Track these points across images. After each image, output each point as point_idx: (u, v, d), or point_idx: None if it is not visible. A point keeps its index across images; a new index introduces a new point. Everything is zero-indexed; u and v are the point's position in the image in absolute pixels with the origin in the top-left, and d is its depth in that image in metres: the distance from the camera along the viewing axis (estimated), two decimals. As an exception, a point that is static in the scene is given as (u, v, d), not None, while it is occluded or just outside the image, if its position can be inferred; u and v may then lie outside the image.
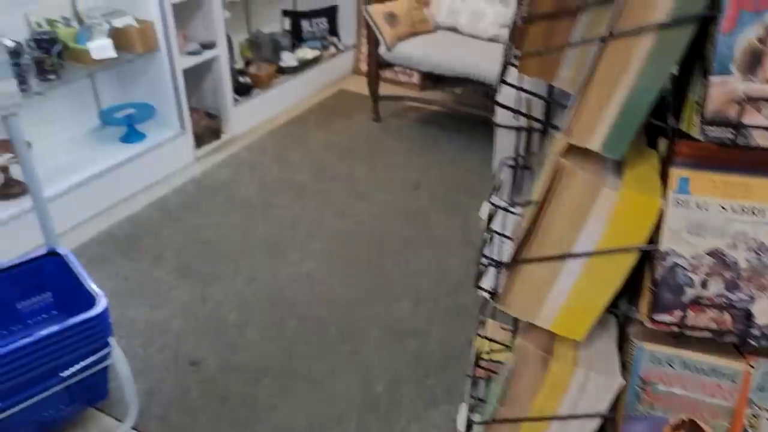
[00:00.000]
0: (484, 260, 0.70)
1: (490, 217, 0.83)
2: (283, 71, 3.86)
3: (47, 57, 2.57)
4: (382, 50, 3.40)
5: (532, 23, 0.69)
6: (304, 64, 3.96)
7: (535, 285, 0.61)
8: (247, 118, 3.58)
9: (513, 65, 0.75)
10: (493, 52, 3.22)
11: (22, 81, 2.45)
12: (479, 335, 0.85)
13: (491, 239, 0.74)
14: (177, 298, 2.36)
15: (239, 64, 3.76)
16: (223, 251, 2.61)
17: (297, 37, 4.19)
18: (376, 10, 3.30)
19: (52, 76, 2.60)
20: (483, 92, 3.31)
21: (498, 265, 0.66)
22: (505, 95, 0.85)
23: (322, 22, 4.26)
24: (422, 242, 2.69)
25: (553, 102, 0.77)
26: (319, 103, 3.97)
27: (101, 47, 2.72)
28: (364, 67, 4.33)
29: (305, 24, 4.21)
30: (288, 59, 3.92)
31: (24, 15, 2.69)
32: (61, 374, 1.57)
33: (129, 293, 2.38)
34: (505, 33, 3.35)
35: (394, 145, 3.47)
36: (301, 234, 2.73)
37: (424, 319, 2.27)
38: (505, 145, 0.85)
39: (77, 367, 1.59)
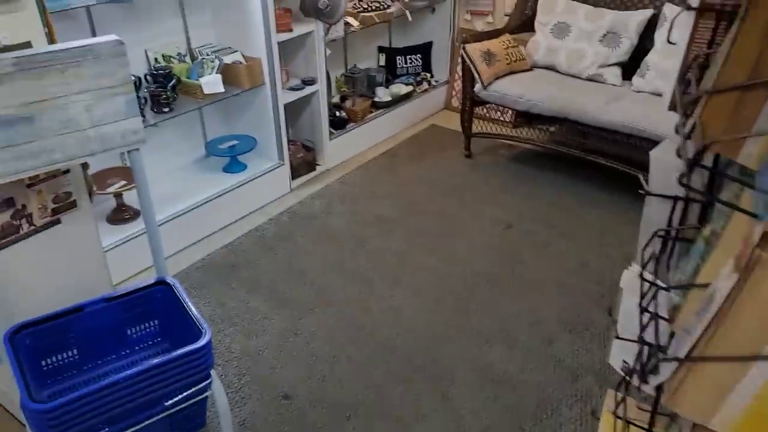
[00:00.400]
0: (643, 346, 0.66)
1: (629, 285, 0.79)
2: (377, 106, 3.92)
3: (163, 91, 2.73)
4: (477, 88, 3.39)
5: (718, 94, 0.65)
6: (398, 99, 4.01)
7: (713, 384, 0.56)
8: (341, 151, 3.65)
9: (682, 133, 0.71)
10: (592, 92, 3.14)
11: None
12: (616, 415, 0.80)
13: (641, 316, 0.69)
14: (270, 328, 2.41)
15: (335, 98, 3.85)
16: (315, 282, 2.65)
17: (391, 73, 4.26)
18: (473, 49, 3.31)
19: (166, 109, 2.76)
20: (579, 132, 3.22)
21: (670, 358, 0.61)
22: (661, 163, 0.81)
23: (416, 58, 4.31)
24: (514, 284, 2.63)
25: (721, 174, 0.73)
26: (411, 137, 4.00)
27: (211, 82, 2.86)
28: (455, 102, 4.34)
29: (400, 60, 4.28)
30: (382, 94, 3.98)
31: (144, 51, 2.88)
32: (165, 403, 1.62)
33: (225, 320, 2.45)
34: (605, 73, 3.26)
35: (485, 182, 3.44)
36: (391, 268, 2.73)
37: (518, 366, 2.20)
38: (656, 214, 0.81)
39: (180, 396, 1.63)
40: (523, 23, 3.65)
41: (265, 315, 2.48)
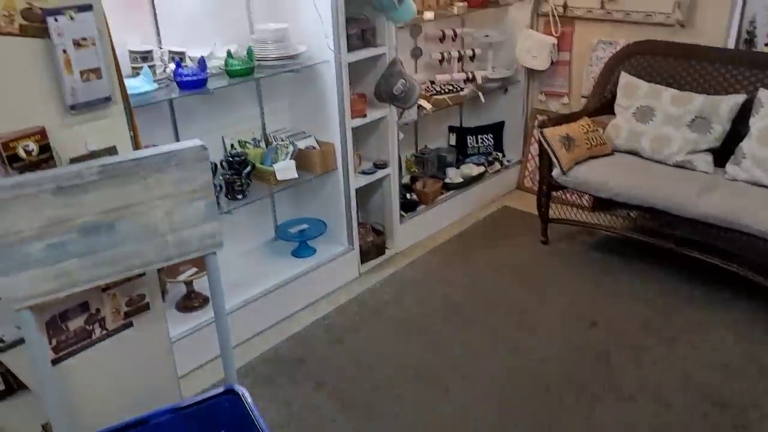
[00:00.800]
0: None
1: None
2: (447, 187, 3.83)
3: (237, 178, 2.72)
4: (556, 173, 3.25)
5: None
6: (469, 180, 3.91)
7: None
8: (411, 235, 3.54)
9: None
10: (681, 180, 2.95)
11: (214, 201, 2.59)
12: None
13: None
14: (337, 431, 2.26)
15: (405, 179, 3.79)
16: (384, 379, 2.50)
17: (462, 152, 4.18)
18: (552, 133, 3.19)
19: (239, 196, 2.74)
20: (667, 221, 3.01)
21: None
22: None
23: (488, 138, 4.23)
24: (604, 392, 2.39)
25: None
26: (482, 219, 3.87)
27: (285, 168, 2.83)
28: (528, 182, 4.20)
29: (471, 139, 4.20)
30: (453, 175, 3.89)
31: (221, 137, 2.90)
32: None
33: (291, 422, 2.31)
34: (695, 159, 3.07)
35: (564, 272, 3.24)
36: (464, 367, 2.55)
37: (614, 496, 1.96)
38: None
39: None
40: (602, 106, 3.52)
41: (332, 417, 2.33)
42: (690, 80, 3.28)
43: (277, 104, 3.10)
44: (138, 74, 2.38)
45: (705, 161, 3.07)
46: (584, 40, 3.82)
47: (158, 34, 2.60)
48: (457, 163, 4.05)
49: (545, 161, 3.31)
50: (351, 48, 2.92)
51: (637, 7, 3.54)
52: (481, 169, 4.02)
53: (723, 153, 3.06)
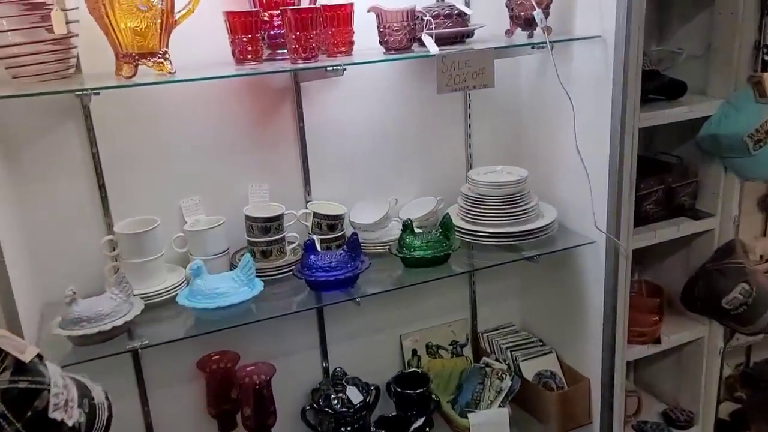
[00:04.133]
0: None
1: None
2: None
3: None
4: None
5: None
6: None
7: None
8: None
9: None
10: None
11: None
12: None
13: None
14: None
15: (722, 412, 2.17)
16: None
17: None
18: None
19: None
20: None
21: None
22: None
23: None
24: None
25: None
26: None
27: (489, 424, 1.57)
28: None
29: None
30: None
31: (398, 338, 1.77)
32: None
33: None
34: None
35: None
36: None
37: None
38: None
39: None
40: None
41: None
42: None
43: (498, 287, 1.88)
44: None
45: None
46: None
47: (307, 183, 1.60)
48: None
49: None
50: (644, 216, 1.57)
51: None
52: None
53: None
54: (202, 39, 1.33)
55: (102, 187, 1.39)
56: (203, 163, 1.48)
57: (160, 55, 1.17)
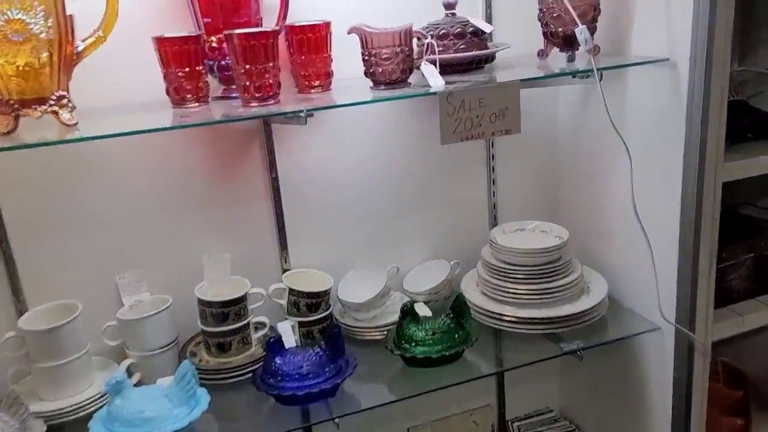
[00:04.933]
0: None
1: None
2: None
3: None
4: None
5: None
6: None
7: None
8: None
9: None
10: None
11: None
12: None
13: None
14: None
15: None
16: None
17: None
18: None
19: None
20: None
21: None
22: None
23: None
24: None
25: None
26: None
27: None
28: None
29: None
30: None
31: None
32: None
33: None
34: None
35: None
36: None
37: None
38: None
39: None
40: None
41: None
42: None
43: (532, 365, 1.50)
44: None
45: None
46: None
47: (283, 248, 1.26)
48: None
49: None
50: (726, 294, 1.18)
51: None
52: None
53: None
54: (133, 69, 1.01)
55: (10, 262, 1.08)
56: (146, 228, 1.15)
57: (52, 102, 0.84)
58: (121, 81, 1.03)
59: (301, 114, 0.88)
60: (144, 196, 1.14)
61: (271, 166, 1.19)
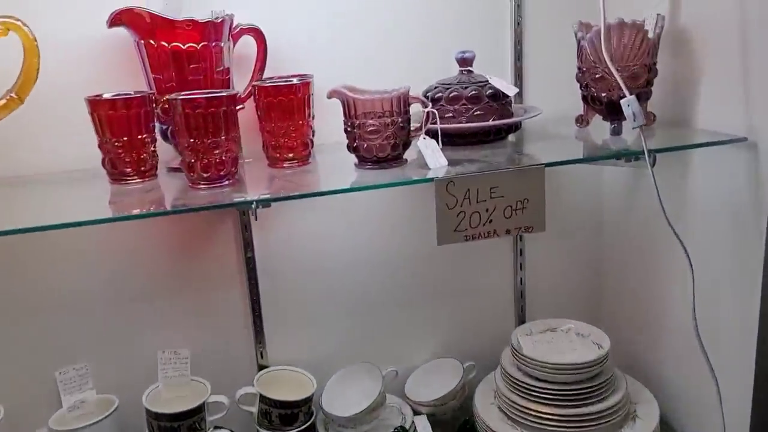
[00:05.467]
0: None
1: None
2: None
3: None
4: None
5: None
6: None
7: None
8: None
9: None
10: None
11: None
12: None
13: None
14: None
15: None
16: None
17: None
18: None
19: None
20: None
21: None
22: None
23: None
24: None
25: None
26: None
27: None
28: None
29: None
30: None
31: None
32: None
33: None
34: None
35: None
36: None
37: None
38: None
39: None
40: None
41: None
42: None
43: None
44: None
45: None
46: None
47: (259, 340, 1.05)
48: None
49: None
50: None
51: None
52: None
53: None
54: (68, 134, 0.84)
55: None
56: (95, 317, 0.97)
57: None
58: (56, 147, 0.86)
59: (252, 206, 0.67)
60: (91, 280, 0.96)
61: (246, 244, 1.00)
